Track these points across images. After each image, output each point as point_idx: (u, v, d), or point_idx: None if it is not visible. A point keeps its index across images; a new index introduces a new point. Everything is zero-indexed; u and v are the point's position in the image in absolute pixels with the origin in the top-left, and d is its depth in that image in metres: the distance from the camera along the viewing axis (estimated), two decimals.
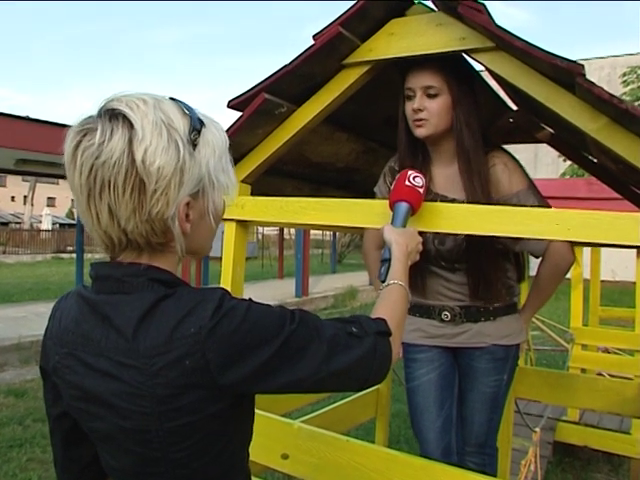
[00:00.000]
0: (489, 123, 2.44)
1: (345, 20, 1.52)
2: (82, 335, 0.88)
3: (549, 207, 1.75)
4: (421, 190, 1.43)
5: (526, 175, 1.81)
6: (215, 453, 0.88)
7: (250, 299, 0.90)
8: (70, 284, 11.17)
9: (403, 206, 1.41)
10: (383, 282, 1.23)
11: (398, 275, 1.22)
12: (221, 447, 0.88)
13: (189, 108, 0.90)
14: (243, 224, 1.84)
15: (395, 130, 1.87)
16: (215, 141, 0.92)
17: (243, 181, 1.83)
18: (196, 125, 0.88)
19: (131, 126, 0.82)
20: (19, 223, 35.13)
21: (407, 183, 1.43)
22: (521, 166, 1.83)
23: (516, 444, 3.15)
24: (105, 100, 0.86)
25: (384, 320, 1.04)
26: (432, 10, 1.54)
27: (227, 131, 1.71)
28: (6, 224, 35.30)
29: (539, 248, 1.80)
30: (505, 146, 1.96)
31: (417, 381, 1.92)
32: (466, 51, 1.48)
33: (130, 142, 0.82)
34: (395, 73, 1.86)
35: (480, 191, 1.71)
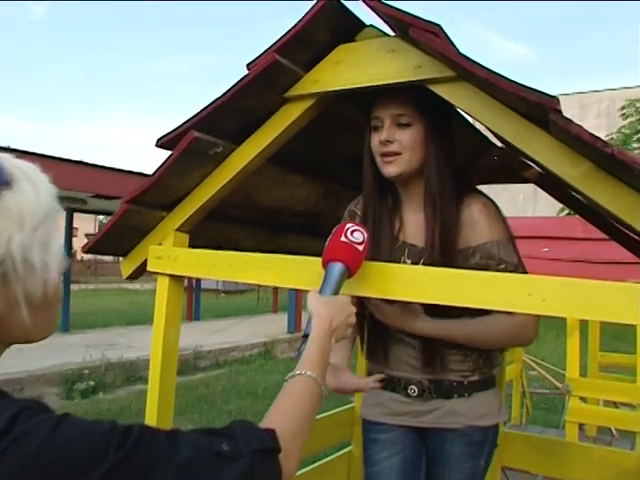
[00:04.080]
0: (471, 162, 2.22)
1: (282, 46, 1.29)
2: None
3: (524, 270, 1.49)
4: (360, 247, 1.18)
5: (507, 226, 1.55)
6: None
7: (67, 413, 0.65)
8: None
9: (337, 267, 1.16)
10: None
11: (309, 362, 0.95)
12: None
13: None
14: (177, 279, 1.60)
15: (358, 171, 1.63)
16: (24, 208, 0.67)
17: (178, 229, 1.59)
18: None
19: None
20: None
21: (343, 239, 1.18)
22: (502, 214, 1.58)
23: None
24: None
25: (272, 431, 0.78)
26: (385, 34, 1.32)
27: (154, 173, 1.48)
28: None
29: None
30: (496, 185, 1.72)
31: (377, 466, 1.62)
32: (422, 81, 1.25)
33: None
34: (352, 107, 1.64)
35: (439, 243, 1.46)
